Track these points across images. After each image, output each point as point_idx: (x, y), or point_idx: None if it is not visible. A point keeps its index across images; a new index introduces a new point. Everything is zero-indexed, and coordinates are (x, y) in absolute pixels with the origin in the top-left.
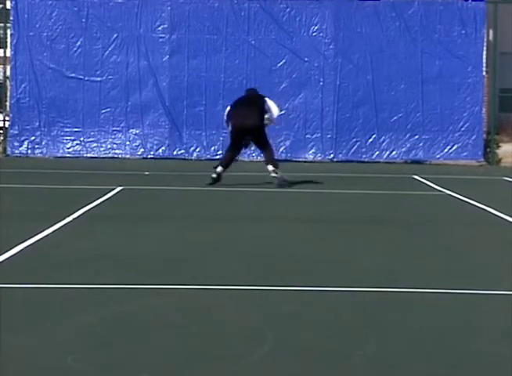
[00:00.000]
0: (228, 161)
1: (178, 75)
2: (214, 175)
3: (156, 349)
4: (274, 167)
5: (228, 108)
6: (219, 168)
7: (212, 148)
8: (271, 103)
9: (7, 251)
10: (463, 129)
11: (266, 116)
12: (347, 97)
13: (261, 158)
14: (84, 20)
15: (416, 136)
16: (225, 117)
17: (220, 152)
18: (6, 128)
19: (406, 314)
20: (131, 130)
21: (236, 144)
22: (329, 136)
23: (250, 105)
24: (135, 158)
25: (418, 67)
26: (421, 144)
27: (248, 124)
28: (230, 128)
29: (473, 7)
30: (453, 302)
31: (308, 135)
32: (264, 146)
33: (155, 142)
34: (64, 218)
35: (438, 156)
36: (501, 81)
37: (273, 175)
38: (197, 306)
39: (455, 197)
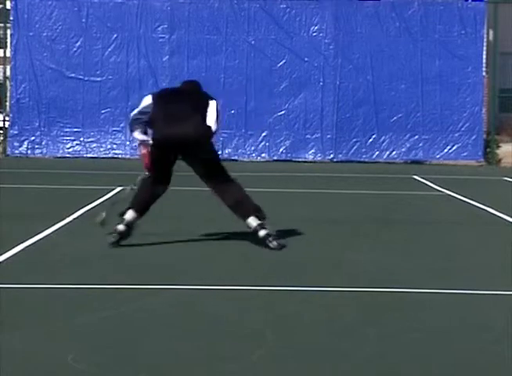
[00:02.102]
0: (147, 201)
1: (178, 75)
2: (120, 228)
3: (156, 349)
4: (259, 218)
5: (147, 102)
6: (130, 215)
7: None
8: (212, 110)
9: (7, 251)
10: (463, 129)
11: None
12: (347, 97)
13: (261, 158)
14: (84, 20)
15: (416, 136)
16: (133, 116)
17: (219, 152)
18: (6, 128)
19: (406, 314)
20: None
21: (160, 169)
22: (329, 136)
23: (188, 104)
24: (135, 158)
25: (418, 67)
26: (421, 144)
27: (184, 135)
28: (150, 140)
29: (473, 7)
30: (453, 302)
31: (307, 136)
32: (214, 174)
33: None
34: (64, 219)
35: (438, 156)
36: (501, 81)
37: (262, 233)
38: (197, 306)
39: (455, 197)
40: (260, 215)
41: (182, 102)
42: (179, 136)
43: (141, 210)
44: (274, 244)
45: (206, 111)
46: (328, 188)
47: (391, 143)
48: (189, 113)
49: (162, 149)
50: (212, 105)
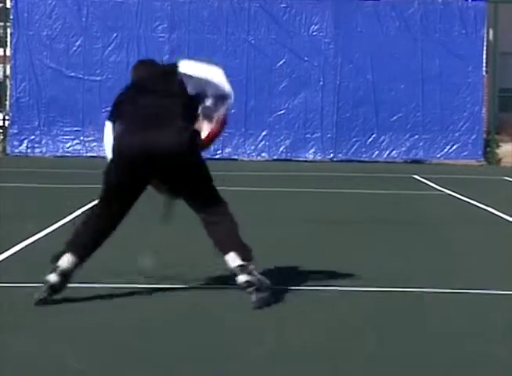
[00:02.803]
0: (89, 239)
1: None
2: (53, 279)
3: (156, 349)
4: (244, 259)
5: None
6: (67, 261)
7: (212, 147)
8: (202, 70)
9: (6, 251)
10: (463, 129)
11: (207, 103)
12: (348, 97)
13: (261, 158)
14: (84, 19)
15: (416, 136)
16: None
17: (219, 151)
18: (6, 128)
19: (406, 314)
20: None
21: (117, 198)
22: (329, 136)
23: (162, 98)
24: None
25: (418, 67)
26: (421, 144)
27: (159, 146)
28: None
29: (473, 7)
30: (453, 302)
31: (308, 135)
32: (205, 201)
33: None
34: (64, 218)
35: (438, 155)
36: (501, 81)
37: (242, 279)
38: (197, 306)
39: (455, 196)
40: (244, 255)
41: (154, 97)
42: (154, 148)
43: (82, 254)
44: (253, 297)
45: (188, 101)
46: (328, 187)
47: (391, 143)
48: (166, 113)
49: (124, 167)
50: (189, 67)
